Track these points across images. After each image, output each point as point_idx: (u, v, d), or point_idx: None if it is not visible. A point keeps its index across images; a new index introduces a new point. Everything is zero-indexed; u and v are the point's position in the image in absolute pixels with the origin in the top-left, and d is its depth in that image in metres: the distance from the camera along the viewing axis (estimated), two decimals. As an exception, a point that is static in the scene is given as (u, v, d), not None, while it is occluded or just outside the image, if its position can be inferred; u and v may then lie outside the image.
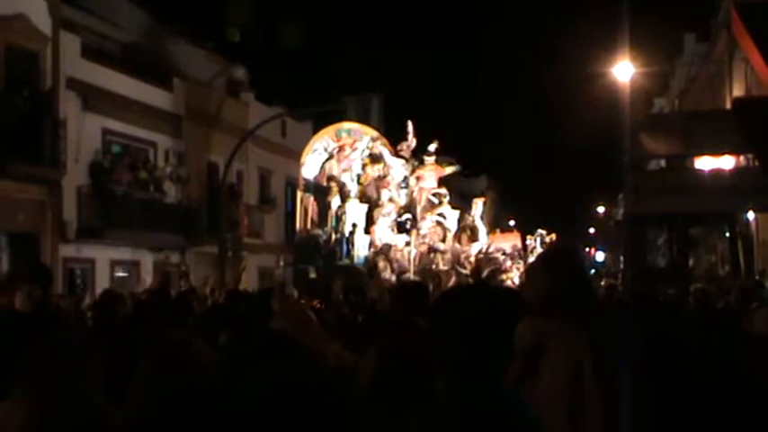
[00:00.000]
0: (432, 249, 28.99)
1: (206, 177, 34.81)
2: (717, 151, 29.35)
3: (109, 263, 29.10)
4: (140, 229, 29.20)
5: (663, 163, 35.95)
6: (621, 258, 41.03)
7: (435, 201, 30.17)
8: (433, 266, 28.52)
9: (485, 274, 28.28)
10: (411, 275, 26.57)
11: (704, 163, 30.48)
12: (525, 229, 64.68)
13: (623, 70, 30.51)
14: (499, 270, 30.31)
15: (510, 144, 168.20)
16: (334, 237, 27.97)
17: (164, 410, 3.43)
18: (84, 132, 27.44)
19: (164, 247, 31.47)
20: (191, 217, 32.23)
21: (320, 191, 29.18)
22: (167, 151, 32.44)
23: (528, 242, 51.03)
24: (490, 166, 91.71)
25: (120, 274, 29.57)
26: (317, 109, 37.47)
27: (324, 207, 28.85)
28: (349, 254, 27.64)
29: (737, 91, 33.35)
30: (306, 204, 29.20)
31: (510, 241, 38.21)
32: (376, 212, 28.59)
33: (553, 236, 70.69)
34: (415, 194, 29.87)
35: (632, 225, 29.59)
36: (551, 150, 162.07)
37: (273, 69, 34.74)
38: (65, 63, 26.83)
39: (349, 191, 28.81)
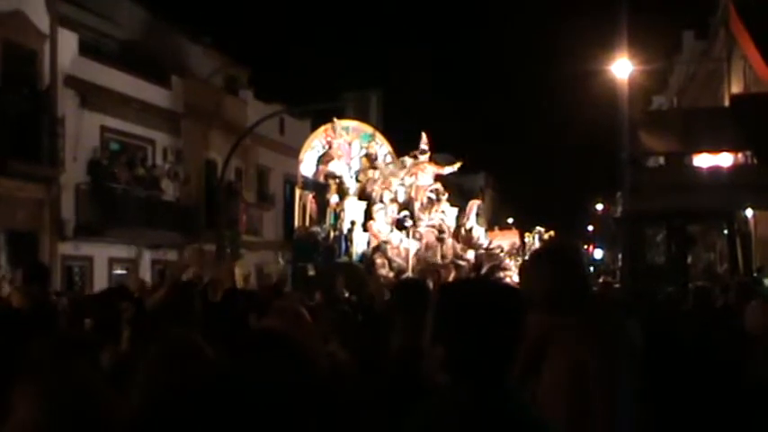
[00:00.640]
0: (429, 246, 28.99)
1: (204, 175, 34.80)
2: (715, 148, 29.37)
3: (107, 261, 29.11)
4: (139, 226, 29.21)
5: (661, 160, 36.00)
6: (620, 256, 40.97)
7: (434, 197, 30.15)
8: (435, 261, 28.52)
9: (484, 270, 28.27)
10: (409, 272, 26.57)
11: (703, 160, 30.48)
12: (524, 227, 64.81)
13: (622, 68, 30.56)
14: (498, 267, 30.30)
15: (508, 141, 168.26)
16: (332, 234, 27.96)
17: (166, 404, 3.43)
18: (83, 130, 27.43)
19: (162, 244, 31.47)
20: (189, 214, 32.23)
21: (319, 188, 29.17)
22: (165, 149, 32.44)
23: (526, 240, 51.06)
24: (488, 163, 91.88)
25: (119, 272, 29.57)
26: (316, 106, 37.48)
27: (322, 204, 28.83)
28: (347, 251, 27.63)
29: (736, 88, 33.37)
30: (304, 201, 29.17)
31: (508, 239, 38.21)
32: (374, 208, 28.59)
33: (552, 233, 70.86)
34: (411, 192, 29.85)
35: (631, 222, 29.60)
36: (550, 148, 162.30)
37: (272, 67, 34.63)
38: (63, 60, 26.82)
39: (347, 188, 28.80)
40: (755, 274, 23.66)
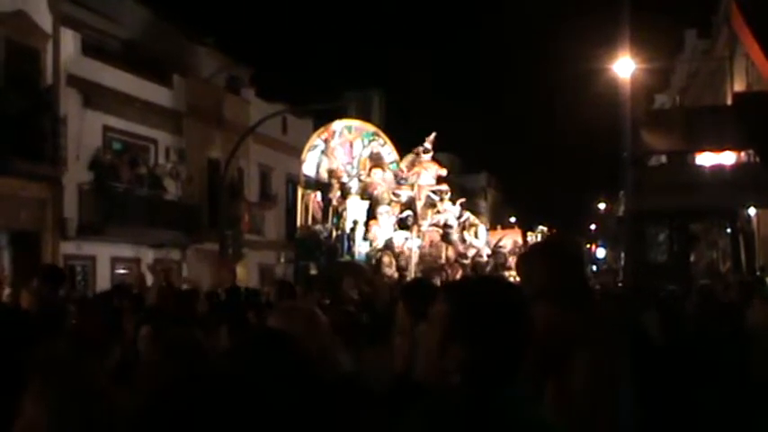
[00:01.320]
0: (433, 245, 29.03)
1: (207, 174, 34.79)
2: (718, 147, 29.41)
3: (109, 260, 29.11)
4: (141, 226, 29.20)
5: (664, 159, 36.02)
6: (622, 255, 41.02)
7: (435, 198, 30.18)
8: (438, 261, 28.57)
9: (488, 268, 28.32)
10: (413, 271, 26.61)
11: (705, 159, 30.53)
12: (526, 226, 64.90)
13: (624, 66, 30.57)
14: (503, 265, 30.36)
15: (510, 140, 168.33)
16: (334, 233, 27.98)
17: (167, 401, 3.44)
18: (85, 129, 27.42)
19: (164, 244, 31.46)
20: (191, 214, 32.22)
21: (321, 187, 29.18)
22: (168, 148, 32.43)
23: (529, 238, 51.05)
24: (490, 163, 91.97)
25: (121, 272, 29.57)
26: (318, 105, 37.46)
27: (325, 203, 28.84)
28: (350, 250, 27.65)
29: (738, 86, 33.38)
30: (306, 201, 29.18)
31: (511, 238, 38.25)
32: (378, 209, 28.60)
33: (554, 232, 70.90)
34: (413, 191, 29.87)
35: (633, 221, 29.63)
36: (552, 147, 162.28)
37: (274, 66, 34.65)
38: (65, 60, 26.82)
39: (350, 188, 28.82)
40: (758, 273, 23.67)
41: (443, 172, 31.38)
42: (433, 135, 30.62)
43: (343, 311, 6.79)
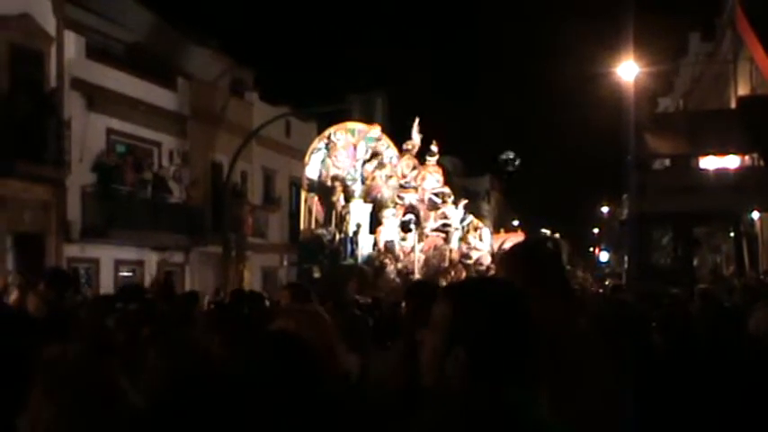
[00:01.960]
0: (437, 248, 29.04)
1: (210, 177, 34.81)
2: (721, 151, 29.39)
3: (113, 262, 29.12)
4: (144, 228, 29.22)
5: (667, 162, 35.99)
6: (626, 258, 40.99)
7: (438, 200, 30.17)
8: (442, 263, 28.58)
9: (491, 273, 28.31)
10: (416, 274, 26.60)
11: (709, 162, 30.51)
12: (529, 229, 64.89)
13: (628, 70, 30.58)
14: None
15: (513, 143, 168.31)
16: (338, 236, 27.97)
17: (170, 402, 3.45)
18: (89, 132, 27.45)
19: (168, 246, 31.48)
20: (195, 217, 32.23)
21: (324, 190, 29.18)
22: (172, 151, 32.44)
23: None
24: (494, 166, 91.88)
25: (125, 274, 29.59)
26: (322, 108, 37.46)
27: (328, 207, 28.83)
28: (353, 253, 27.64)
29: (742, 90, 33.35)
30: (310, 204, 29.18)
31: (514, 241, 38.23)
32: (383, 213, 28.59)
33: (557, 235, 70.90)
34: (418, 195, 29.88)
35: (636, 224, 29.61)
36: (555, 150, 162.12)
37: (278, 69, 34.66)
38: (69, 63, 26.86)
39: (353, 191, 28.81)
40: (762, 277, 23.63)
41: (446, 190, 31.31)
42: (434, 144, 30.61)
43: (347, 314, 6.80)
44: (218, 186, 33.95)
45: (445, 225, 29.92)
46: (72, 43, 27.20)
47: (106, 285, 26.38)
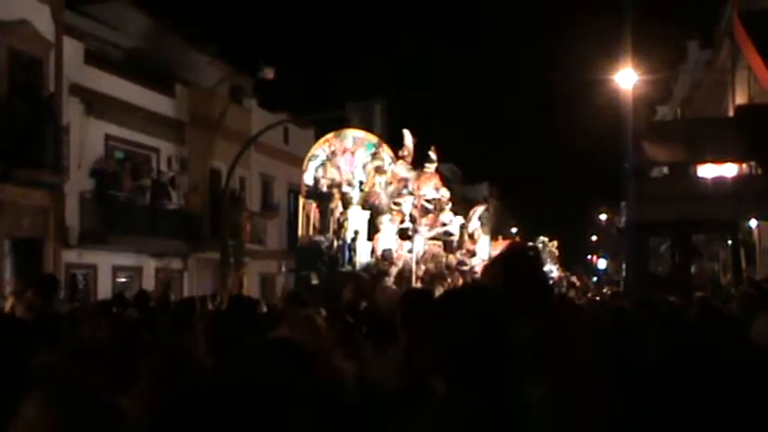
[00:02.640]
0: (435, 255, 29.00)
1: (209, 183, 34.84)
2: (719, 159, 29.40)
3: (111, 269, 29.12)
4: (143, 234, 29.22)
5: (665, 170, 36.04)
6: (624, 266, 41.00)
7: (430, 207, 30.13)
8: (439, 271, 28.54)
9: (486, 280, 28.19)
10: (414, 281, 26.57)
11: (707, 170, 30.51)
12: (527, 237, 64.94)
13: (626, 78, 30.60)
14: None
15: (512, 151, 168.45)
16: (336, 243, 27.94)
17: (169, 409, 3.45)
18: (87, 138, 27.48)
19: (166, 253, 31.48)
20: (193, 223, 32.24)
21: (322, 197, 29.16)
22: (170, 157, 32.47)
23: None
24: (492, 173, 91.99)
25: (123, 280, 29.59)
26: (320, 115, 37.51)
27: (326, 213, 28.81)
28: (351, 260, 27.62)
29: (740, 99, 33.39)
30: (308, 211, 29.13)
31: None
32: (380, 219, 28.56)
33: (555, 243, 70.98)
34: (414, 202, 29.84)
35: (634, 232, 29.63)
36: (554, 157, 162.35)
37: (276, 76, 34.64)
38: (68, 69, 26.88)
39: (351, 197, 28.78)
40: (764, 285, 23.61)
41: (445, 193, 31.24)
42: (433, 151, 30.58)
43: (343, 321, 6.80)
44: (216, 193, 33.97)
45: (447, 233, 29.90)
46: (71, 49, 27.22)
47: (104, 291, 26.37)
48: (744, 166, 31.14)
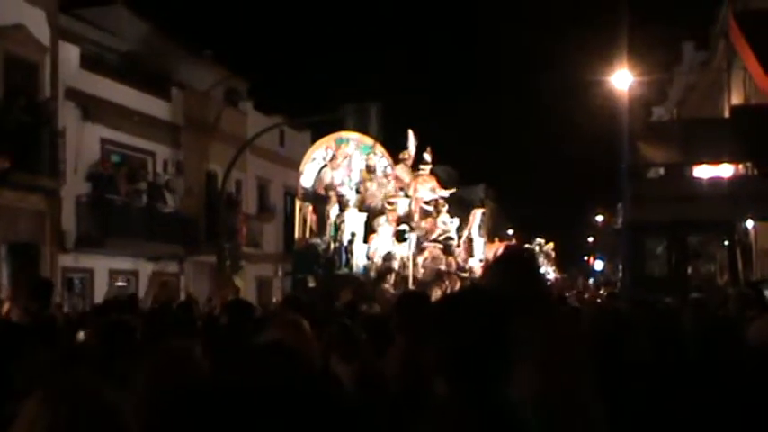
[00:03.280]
0: (435, 258, 29.02)
1: (205, 187, 34.83)
2: (715, 159, 29.37)
3: (107, 272, 29.11)
4: (139, 238, 29.22)
5: (661, 171, 36.00)
6: (620, 267, 40.96)
7: (429, 209, 30.13)
8: (438, 274, 28.55)
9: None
10: (411, 283, 26.57)
11: (703, 171, 30.48)
12: (524, 238, 64.94)
13: (622, 79, 30.59)
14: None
15: (508, 152, 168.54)
16: (332, 246, 27.94)
17: (160, 416, 3.46)
18: (83, 142, 27.48)
19: (162, 256, 31.47)
20: (189, 226, 32.23)
21: (319, 200, 29.15)
22: (166, 161, 32.48)
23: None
24: (488, 175, 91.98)
25: (119, 284, 29.57)
26: (316, 118, 37.47)
27: (322, 216, 28.80)
28: (348, 263, 27.62)
29: (736, 99, 33.38)
30: (304, 213, 29.14)
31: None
32: (376, 222, 28.54)
33: (551, 244, 71.01)
34: (411, 204, 29.84)
35: (631, 233, 29.61)
36: (550, 159, 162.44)
37: (272, 79, 34.70)
38: (64, 73, 26.88)
39: (348, 200, 28.78)
40: (759, 286, 23.59)
41: (442, 193, 31.23)
42: (428, 151, 30.60)
43: (339, 323, 6.79)
44: (212, 196, 33.97)
45: (448, 239, 29.92)
46: (67, 53, 27.23)
47: (101, 295, 26.36)
48: (740, 166, 31.13)
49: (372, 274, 27.36)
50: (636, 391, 5.56)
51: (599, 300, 27.66)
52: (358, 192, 29.48)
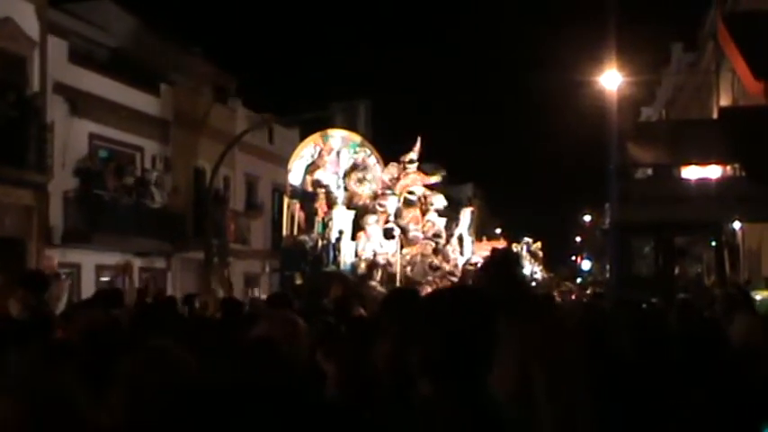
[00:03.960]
0: (425, 255, 29.06)
1: (193, 183, 34.77)
2: (703, 160, 29.42)
3: (94, 268, 29.02)
4: (126, 234, 29.14)
5: (650, 172, 36.07)
6: (608, 267, 41.07)
7: (413, 198, 30.09)
8: (426, 271, 28.57)
9: (470, 282, 28.19)
10: (398, 282, 26.58)
11: (691, 172, 30.55)
12: (512, 237, 65.00)
13: (611, 79, 30.59)
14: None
15: (497, 152, 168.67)
16: (320, 243, 27.95)
17: (144, 415, 3.45)
18: (71, 137, 27.40)
19: (150, 252, 31.41)
20: (177, 222, 32.17)
21: (307, 197, 29.15)
22: (154, 157, 32.40)
23: (514, 250, 50.87)
24: (477, 174, 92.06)
25: (106, 279, 29.48)
26: (305, 115, 37.44)
27: (310, 213, 28.81)
28: (335, 260, 27.64)
29: (724, 101, 33.45)
30: (292, 210, 29.16)
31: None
32: (364, 220, 28.56)
33: (539, 243, 71.10)
34: (399, 202, 29.86)
35: (618, 234, 29.64)
36: (538, 158, 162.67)
37: (261, 76, 34.70)
38: (52, 67, 26.79)
39: (336, 197, 28.80)
40: (744, 287, 23.65)
41: (430, 180, 31.27)
42: (418, 144, 30.57)
43: (324, 321, 6.80)
44: (200, 192, 33.91)
45: (435, 235, 29.95)
46: (55, 47, 27.14)
47: (88, 291, 26.27)
48: (728, 168, 31.20)
49: (360, 271, 27.39)
50: (620, 391, 5.58)
51: (584, 299, 27.72)
52: (346, 189, 29.51)
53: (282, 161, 32.83)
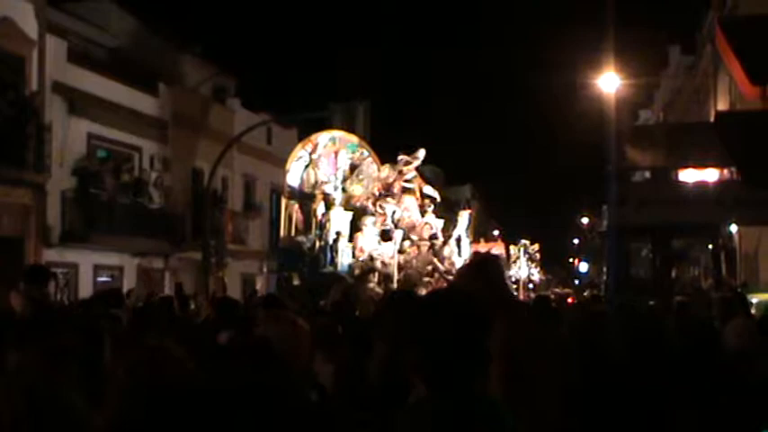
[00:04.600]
0: (423, 257, 29.01)
1: (191, 183, 34.76)
2: (701, 163, 29.44)
3: (92, 267, 29.02)
4: (124, 234, 29.12)
5: (647, 174, 36.08)
6: (605, 269, 41.04)
7: (410, 186, 29.98)
8: (423, 272, 28.52)
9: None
10: (395, 283, 26.55)
11: (688, 175, 30.55)
12: (509, 239, 64.95)
13: (609, 82, 30.61)
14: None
15: (495, 154, 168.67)
16: (318, 244, 27.92)
17: (141, 414, 3.46)
18: (70, 137, 27.40)
19: (148, 252, 31.40)
20: (175, 223, 32.17)
21: (305, 198, 29.14)
22: (152, 157, 32.38)
23: (512, 252, 50.85)
24: (475, 175, 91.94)
25: (104, 279, 29.49)
26: (303, 116, 37.44)
27: (308, 214, 28.79)
28: (333, 261, 27.61)
29: (722, 104, 33.49)
30: (290, 211, 29.13)
31: (495, 251, 38.15)
32: (361, 221, 28.53)
33: (536, 245, 71.03)
34: (399, 206, 29.77)
35: (616, 236, 29.66)
36: (536, 161, 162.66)
37: (260, 76, 34.70)
38: (51, 67, 26.79)
39: (333, 199, 28.77)
40: (739, 290, 23.66)
41: (433, 192, 31.17)
42: (421, 154, 30.41)
43: (321, 323, 6.80)
44: (198, 192, 33.90)
45: (433, 236, 29.90)
46: (53, 47, 27.14)
47: (85, 290, 26.28)
48: (725, 171, 31.21)
49: (357, 272, 27.35)
50: (615, 393, 5.60)
51: (581, 302, 27.73)
52: (344, 191, 29.49)
53: (281, 162, 32.80)
